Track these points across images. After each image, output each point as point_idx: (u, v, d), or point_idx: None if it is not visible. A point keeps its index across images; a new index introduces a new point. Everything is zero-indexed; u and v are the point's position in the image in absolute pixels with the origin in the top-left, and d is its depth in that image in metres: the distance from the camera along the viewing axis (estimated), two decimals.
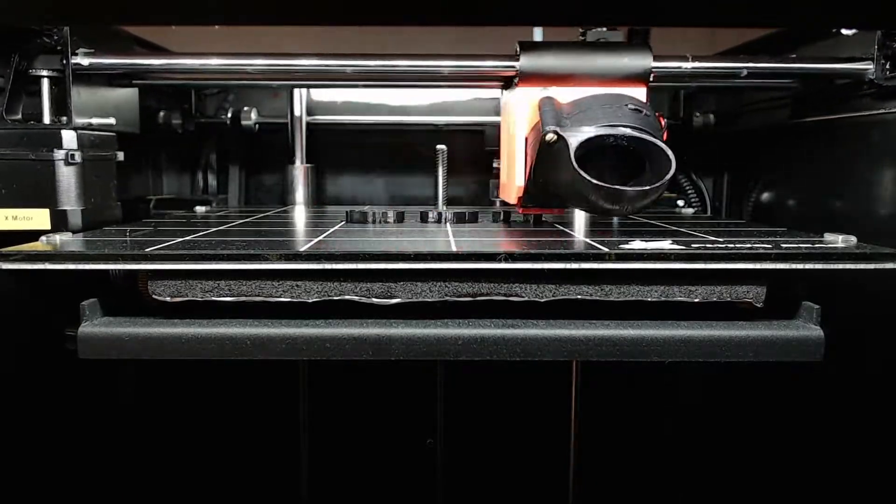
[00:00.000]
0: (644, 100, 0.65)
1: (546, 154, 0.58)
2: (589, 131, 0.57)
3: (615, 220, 0.74)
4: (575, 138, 0.56)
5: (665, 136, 0.61)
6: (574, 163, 0.55)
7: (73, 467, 0.76)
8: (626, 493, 1.01)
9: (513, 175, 0.66)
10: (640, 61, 0.66)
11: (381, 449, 0.97)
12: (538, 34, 0.86)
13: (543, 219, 0.72)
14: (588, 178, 0.55)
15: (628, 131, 0.57)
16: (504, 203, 0.74)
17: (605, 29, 0.70)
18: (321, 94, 1.07)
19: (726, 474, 0.93)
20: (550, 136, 0.57)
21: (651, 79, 0.67)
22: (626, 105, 0.60)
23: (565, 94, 0.65)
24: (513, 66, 0.67)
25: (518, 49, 0.67)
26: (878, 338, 0.65)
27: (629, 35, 1.05)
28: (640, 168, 0.58)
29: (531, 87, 0.66)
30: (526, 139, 0.64)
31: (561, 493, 0.98)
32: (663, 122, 0.62)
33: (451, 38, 1.07)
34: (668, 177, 0.56)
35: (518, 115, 0.66)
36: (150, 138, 0.93)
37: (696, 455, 0.98)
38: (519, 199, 0.66)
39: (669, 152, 0.56)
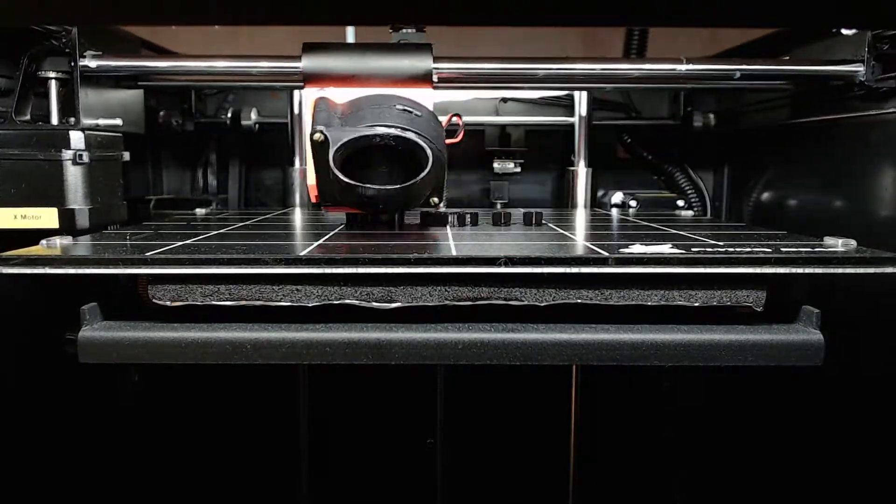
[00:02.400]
0: (427, 100, 0.66)
1: (319, 154, 0.59)
2: (353, 131, 0.59)
3: (614, 223, 0.74)
4: (337, 138, 0.58)
5: (459, 137, 0.63)
6: (332, 162, 0.57)
7: (74, 468, 0.76)
8: (625, 493, 1.01)
9: (309, 174, 0.67)
10: (421, 63, 0.68)
11: (382, 449, 0.97)
12: (350, 34, 0.88)
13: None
14: (342, 176, 0.57)
15: (392, 131, 0.59)
16: (505, 205, 0.74)
17: (413, 30, 0.71)
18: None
19: (725, 475, 0.93)
20: (318, 136, 0.58)
21: (435, 79, 0.69)
22: (396, 105, 0.61)
23: (350, 96, 0.66)
24: (297, 67, 0.69)
25: (301, 50, 0.68)
26: (879, 338, 0.65)
27: (627, 36, 1.06)
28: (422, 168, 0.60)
29: (316, 87, 0.68)
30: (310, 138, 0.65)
31: (561, 492, 0.98)
32: (461, 122, 0.64)
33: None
34: (422, 175, 0.58)
35: (306, 114, 0.67)
36: (150, 138, 0.93)
37: (696, 456, 0.98)
38: (316, 197, 0.66)
39: (428, 150, 0.58)
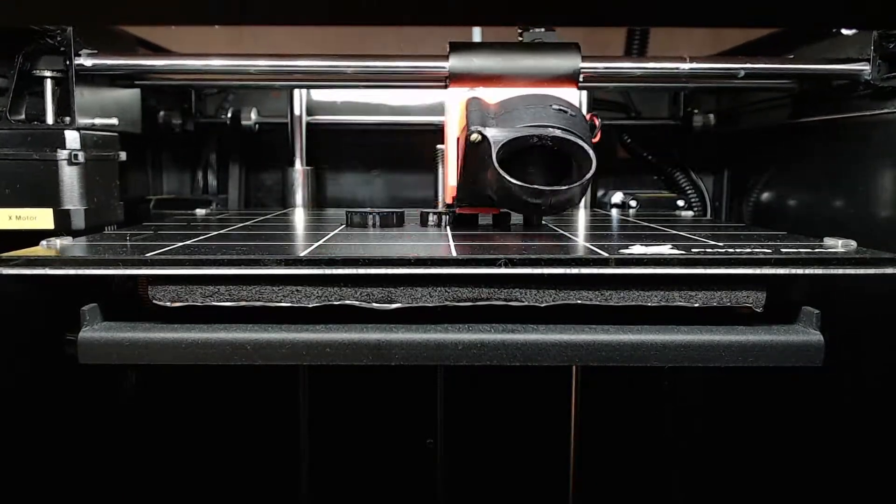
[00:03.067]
0: (574, 100, 0.66)
1: (472, 154, 0.59)
2: (512, 131, 0.58)
3: (615, 223, 0.74)
4: (498, 138, 0.57)
5: (597, 137, 0.62)
6: (496, 163, 0.56)
7: (74, 468, 0.76)
8: (625, 493, 1.01)
9: (447, 175, 0.68)
10: (569, 62, 0.67)
11: (381, 449, 0.97)
12: (477, 34, 0.87)
13: (480, 219, 0.72)
14: (508, 177, 0.56)
15: (551, 131, 0.58)
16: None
17: (542, 30, 0.70)
18: (321, 94, 1.07)
19: (726, 475, 0.93)
20: (475, 137, 0.57)
21: (581, 79, 0.68)
22: (552, 105, 0.61)
23: (496, 95, 0.65)
24: (443, 67, 0.68)
25: (448, 49, 0.68)
26: (879, 338, 0.65)
27: (628, 36, 1.06)
28: (571, 168, 0.60)
29: (461, 87, 0.67)
30: (458, 139, 0.65)
31: (561, 492, 0.98)
32: (597, 122, 0.62)
33: None
34: (588, 176, 0.57)
35: (450, 115, 0.67)
36: (150, 138, 0.93)
37: (696, 456, 0.98)
38: (453, 198, 0.67)
39: (591, 152, 0.58)
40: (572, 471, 0.97)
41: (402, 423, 0.97)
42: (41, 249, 0.52)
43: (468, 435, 0.97)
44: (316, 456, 0.97)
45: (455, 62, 0.67)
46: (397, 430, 0.97)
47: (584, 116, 0.62)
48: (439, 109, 1.06)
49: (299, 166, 1.00)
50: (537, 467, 0.98)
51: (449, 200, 0.68)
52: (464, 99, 0.65)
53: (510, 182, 0.57)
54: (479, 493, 0.98)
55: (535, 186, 0.57)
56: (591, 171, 0.57)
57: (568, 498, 0.98)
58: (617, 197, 1.04)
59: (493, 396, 0.95)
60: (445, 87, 0.69)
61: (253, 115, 1.04)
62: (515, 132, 0.58)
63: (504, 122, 0.60)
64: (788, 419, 0.79)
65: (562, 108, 0.61)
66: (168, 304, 0.50)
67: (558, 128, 0.58)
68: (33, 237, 0.55)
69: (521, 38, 0.71)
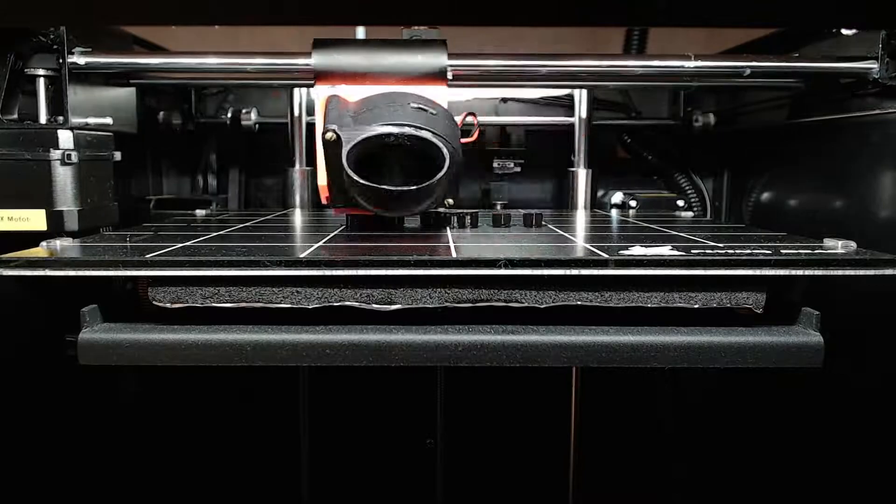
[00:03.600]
0: (441, 98, 0.65)
1: (331, 154, 0.58)
2: (366, 130, 0.57)
3: (614, 224, 0.74)
4: (351, 137, 0.56)
5: (474, 136, 0.62)
6: (345, 162, 0.56)
7: (74, 469, 0.76)
8: (625, 493, 1.01)
9: (318, 175, 0.66)
10: (436, 59, 0.66)
11: (382, 449, 0.97)
12: (360, 31, 0.86)
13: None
14: (356, 177, 0.56)
15: (407, 130, 0.57)
16: (505, 206, 0.73)
17: (425, 27, 0.69)
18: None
19: (726, 475, 0.93)
20: (329, 135, 0.57)
21: (449, 76, 0.67)
22: (410, 104, 0.60)
23: (363, 93, 0.64)
24: (307, 65, 0.67)
25: (312, 46, 0.67)
26: (879, 338, 0.65)
27: (627, 35, 1.06)
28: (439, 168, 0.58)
29: (328, 84, 0.66)
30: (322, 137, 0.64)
31: (561, 492, 0.98)
32: (475, 121, 0.62)
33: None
34: (439, 176, 0.56)
35: (317, 113, 0.66)
36: (149, 138, 0.93)
37: (696, 456, 0.98)
38: (327, 198, 0.65)
39: (444, 150, 0.57)
40: (572, 471, 0.97)
41: (403, 423, 0.97)
42: (41, 250, 0.52)
43: (468, 435, 0.97)
44: (316, 456, 0.97)
45: (319, 59, 0.66)
46: (397, 430, 0.97)
47: (448, 115, 0.61)
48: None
49: (299, 167, 1.00)
50: (537, 467, 0.98)
51: (324, 201, 0.66)
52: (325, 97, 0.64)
53: (359, 182, 0.56)
54: (479, 493, 0.98)
55: (383, 186, 0.56)
56: (443, 171, 0.56)
57: (568, 498, 0.98)
58: (617, 197, 1.04)
59: (493, 396, 0.95)
60: (313, 85, 0.68)
61: (253, 115, 1.04)
62: (369, 130, 0.57)
63: (361, 121, 0.59)
64: (789, 418, 0.79)
65: (421, 106, 0.60)
66: (168, 305, 0.50)
67: (413, 126, 0.57)
68: (26, 238, 0.55)
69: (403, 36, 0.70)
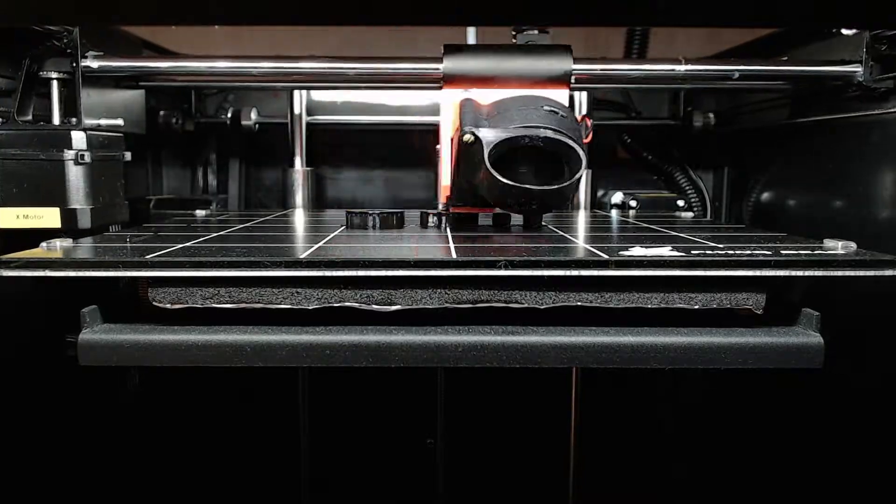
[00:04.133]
0: (565, 101, 0.67)
1: (466, 154, 0.60)
2: (504, 132, 0.59)
3: (615, 225, 0.74)
4: (490, 139, 0.58)
5: (589, 138, 0.63)
6: (487, 162, 0.57)
7: (74, 470, 0.76)
8: (625, 492, 1.01)
9: (441, 175, 0.69)
10: (560, 64, 0.68)
11: (382, 449, 0.97)
12: (471, 35, 0.87)
13: (479, 219, 0.72)
14: (499, 177, 0.57)
15: (542, 132, 0.59)
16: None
17: (536, 32, 0.71)
18: (321, 95, 1.07)
19: (726, 476, 0.93)
20: (468, 137, 0.58)
21: (575, 81, 0.69)
22: (543, 107, 0.61)
23: (489, 97, 0.66)
24: (437, 69, 0.69)
25: (443, 51, 0.69)
26: (880, 339, 0.65)
27: (628, 36, 1.06)
28: (562, 168, 0.60)
29: (456, 88, 0.69)
30: (451, 140, 0.66)
31: (560, 492, 0.98)
32: (589, 123, 0.63)
33: None
34: (578, 176, 0.59)
35: (444, 116, 0.69)
36: (150, 138, 0.93)
37: (696, 456, 0.98)
38: (447, 198, 0.67)
39: (581, 152, 0.59)
40: (572, 471, 0.97)
41: (403, 423, 0.97)
42: (41, 251, 0.52)
43: (468, 435, 0.97)
44: (316, 455, 0.97)
45: (449, 64, 0.68)
46: (397, 429, 0.97)
47: (574, 117, 0.63)
48: (437, 110, 1.06)
49: (299, 167, 1.00)
50: (537, 467, 0.98)
51: (443, 200, 0.69)
52: (457, 100, 0.66)
53: (502, 182, 0.58)
54: (479, 493, 0.98)
55: (526, 186, 0.58)
56: (581, 171, 0.59)
57: (567, 498, 0.98)
58: (617, 197, 1.04)
59: (493, 396, 0.96)
60: (440, 88, 0.70)
61: (253, 115, 1.04)
62: (507, 133, 0.59)
63: (496, 123, 0.60)
64: (790, 419, 0.79)
65: (553, 109, 0.61)
66: (168, 306, 0.50)
67: (549, 128, 0.59)
68: (41, 236, 0.56)
69: (514, 40, 0.71)
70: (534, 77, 0.68)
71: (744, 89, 0.95)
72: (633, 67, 0.79)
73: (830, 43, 0.75)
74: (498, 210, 0.68)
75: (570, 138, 0.59)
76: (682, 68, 0.75)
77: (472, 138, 0.58)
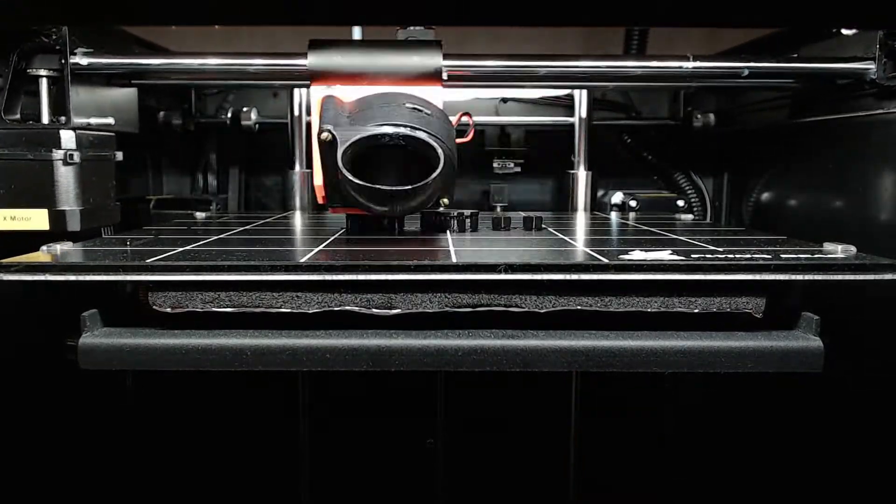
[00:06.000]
0: (436, 99, 0.65)
1: (327, 154, 0.58)
2: (362, 130, 0.57)
3: (614, 228, 0.74)
4: (346, 137, 0.57)
5: (469, 136, 0.62)
6: (340, 162, 0.56)
7: (73, 473, 0.76)
8: (625, 495, 1.01)
9: (314, 175, 0.66)
10: (430, 60, 0.66)
11: (382, 450, 0.97)
12: (356, 32, 0.86)
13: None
14: (351, 177, 0.56)
15: (402, 130, 0.58)
16: (505, 208, 0.73)
17: (421, 28, 0.69)
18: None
19: (727, 479, 0.93)
20: (325, 136, 0.57)
21: (444, 77, 0.67)
22: (405, 104, 0.60)
23: (358, 94, 0.64)
24: (302, 65, 0.68)
25: (308, 47, 0.67)
26: (879, 342, 0.65)
27: (627, 36, 1.05)
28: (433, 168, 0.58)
29: (323, 85, 0.67)
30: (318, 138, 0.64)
31: (560, 492, 0.98)
32: (470, 121, 0.62)
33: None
34: (433, 176, 0.57)
35: (313, 114, 0.66)
36: (150, 138, 0.93)
37: (696, 459, 0.99)
38: (323, 198, 0.65)
39: (440, 150, 0.57)
40: (572, 471, 0.97)
41: (403, 424, 0.97)
42: (41, 255, 0.52)
43: (468, 436, 0.97)
44: (316, 456, 0.97)
45: (314, 60, 0.66)
46: (397, 429, 0.97)
47: (444, 115, 0.61)
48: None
49: (299, 169, 1.00)
50: (537, 468, 0.98)
51: (320, 201, 0.66)
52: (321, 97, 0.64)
53: (354, 182, 0.56)
54: (480, 493, 0.98)
55: (377, 186, 0.57)
56: (438, 170, 0.57)
57: (568, 499, 0.98)
58: (617, 197, 1.04)
59: (493, 397, 0.95)
60: (308, 85, 0.68)
61: (253, 115, 1.04)
62: (364, 131, 0.57)
63: (357, 121, 0.59)
64: (790, 422, 0.79)
65: (416, 106, 0.60)
66: (168, 310, 0.50)
67: (408, 126, 0.58)
68: (29, 238, 0.55)
69: (397, 36, 0.70)
70: (403, 74, 0.66)
71: (745, 88, 0.95)
72: (637, 64, 0.77)
73: (837, 41, 0.74)
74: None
75: (432, 136, 0.57)
76: (689, 65, 0.74)
77: (330, 136, 0.57)
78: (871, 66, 0.69)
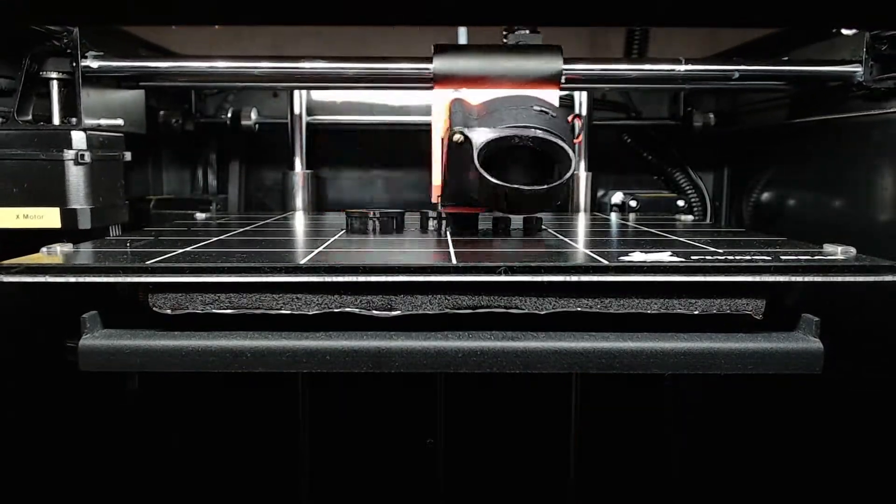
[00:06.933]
0: (555, 101, 0.67)
1: (455, 154, 0.59)
2: (494, 132, 0.59)
3: (614, 229, 0.74)
4: (479, 139, 0.58)
5: (579, 139, 0.62)
6: (477, 163, 0.57)
7: (73, 474, 0.76)
8: (626, 496, 1.01)
9: (432, 174, 0.69)
10: (550, 64, 0.68)
11: (382, 451, 0.98)
12: (462, 35, 0.87)
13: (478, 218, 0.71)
14: (489, 177, 0.57)
15: (532, 132, 0.59)
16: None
17: (527, 32, 0.71)
18: (321, 94, 1.07)
19: (727, 481, 0.93)
20: (458, 137, 0.58)
21: (563, 80, 0.69)
22: (532, 107, 0.61)
23: (480, 97, 0.66)
24: (427, 69, 0.69)
25: (432, 51, 0.68)
26: (880, 341, 0.65)
27: (628, 36, 1.05)
28: (552, 169, 0.60)
29: (446, 88, 0.68)
30: (442, 139, 0.65)
31: (560, 493, 0.98)
32: (580, 123, 0.63)
33: None
34: (567, 176, 0.58)
35: (435, 116, 0.68)
36: (150, 138, 0.93)
37: (697, 460, 0.99)
38: (438, 197, 0.67)
39: (570, 152, 0.58)
40: (572, 472, 0.97)
41: (403, 424, 0.97)
42: (41, 256, 0.52)
43: (468, 437, 0.97)
44: (316, 456, 0.97)
45: (439, 64, 0.68)
46: (398, 429, 0.97)
47: (565, 117, 0.62)
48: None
49: (299, 169, 1.00)
50: (537, 468, 0.98)
51: (434, 199, 0.69)
52: (448, 100, 0.65)
53: (491, 182, 0.57)
54: (480, 493, 0.99)
55: (515, 186, 0.58)
56: (571, 171, 0.58)
57: (567, 498, 0.98)
58: (617, 197, 1.04)
59: (493, 397, 0.96)
60: (431, 88, 0.69)
61: (253, 116, 1.04)
62: (496, 133, 0.59)
63: (486, 123, 0.60)
64: (791, 424, 0.79)
65: (543, 109, 0.61)
66: (168, 311, 0.50)
67: (539, 128, 0.59)
68: (40, 236, 0.56)
69: (505, 41, 0.71)
70: (524, 77, 0.68)
71: (744, 89, 0.95)
72: (631, 67, 0.78)
73: (830, 43, 0.75)
74: (498, 213, 0.68)
75: (560, 138, 0.59)
76: (681, 68, 0.75)
77: (462, 138, 0.58)
78: (859, 68, 0.69)
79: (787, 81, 0.78)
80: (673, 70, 0.75)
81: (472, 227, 0.70)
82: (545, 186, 0.58)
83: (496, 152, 0.59)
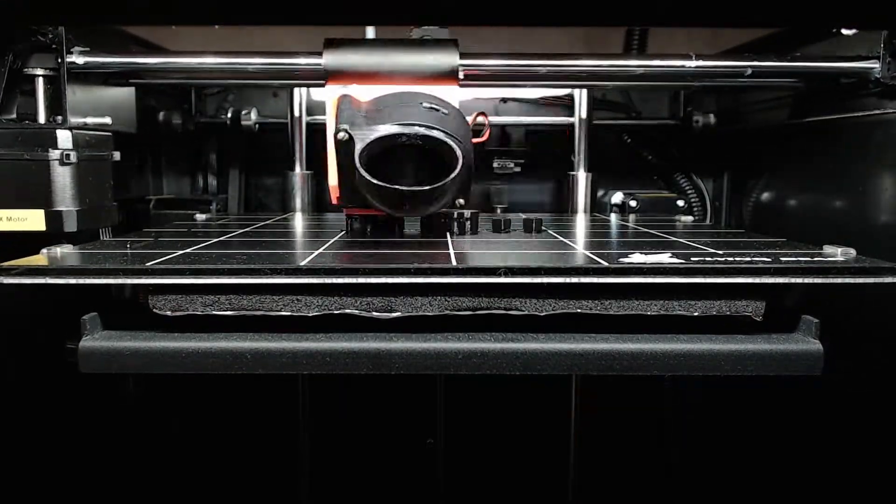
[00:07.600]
0: (453, 98, 0.64)
1: (343, 153, 0.58)
2: (379, 130, 0.57)
3: (614, 230, 0.74)
4: (363, 137, 0.56)
5: (486, 136, 0.62)
6: (358, 162, 0.55)
7: (73, 475, 0.76)
8: (625, 496, 1.01)
9: (328, 175, 0.65)
10: (447, 59, 0.65)
11: (382, 451, 0.97)
12: (370, 32, 0.85)
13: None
14: (368, 177, 0.55)
15: (420, 130, 0.57)
16: (504, 209, 0.73)
17: (435, 27, 0.69)
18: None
19: (727, 481, 0.93)
20: (342, 135, 0.56)
21: (460, 76, 0.67)
22: (422, 104, 0.60)
23: (374, 93, 0.64)
24: (318, 64, 0.67)
25: (323, 46, 0.66)
26: (880, 342, 0.65)
27: (627, 35, 1.05)
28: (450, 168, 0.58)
29: (338, 84, 0.66)
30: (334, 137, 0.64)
31: (560, 493, 0.98)
32: (486, 121, 0.62)
33: None
34: (452, 176, 0.56)
35: (328, 113, 0.65)
36: (149, 138, 0.93)
37: (696, 461, 0.99)
38: (338, 198, 0.64)
39: (457, 150, 0.56)
40: (572, 472, 0.97)
41: (403, 425, 0.97)
42: (41, 258, 0.52)
43: (469, 438, 0.97)
44: (316, 456, 0.97)
45: (330, 59, 0.66)
46: (398, 430, 0.97)
47: (459, 115, 0.61)
48: None
49: (299, 170, 1.00)
50: (537, 469, 0.98)
51: (334, 201, 0.66)
52: (337, 96, 0.64)
53: (372, 183, 0.56)
54: (480, 493, 0.99)
55: (395, 187, 0.56)
56: (457, 171, 0.56)
57: (567, 498, 0.98)
58: (617, 197, 1.04)
59: (493, 398, 0.96)
60: (324, 84, 0.67)
61: (253, 116, 1.04)
62: (381, 130, 0.57)
63: (373, 121, 0.58)
64: (791, 424, 0.79)
65: (433, 106, 0.59)
66: (169, 313, 0.50)
67: (425, 126, 0.57)
68: (25, 239, 0.55)
69: (410, 35, 0.69)
70: (419, 73, 0.65)
71: (745, 88, 0.95)
72: (640, 63, 0.76)
73: (840, 40, 0.74)
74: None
75: (449, 136, 0.57)
76: (692, 64, 0.74)
77: (347, 136, 0.56)
78: (876, 64, 0.69)
79: (801, 78, 0.77)
80: (683, 66, 0.74)
81: (399, 230, 0.67)
82: (427, 187, 0.56)
83: (390, 151, 0.58)
